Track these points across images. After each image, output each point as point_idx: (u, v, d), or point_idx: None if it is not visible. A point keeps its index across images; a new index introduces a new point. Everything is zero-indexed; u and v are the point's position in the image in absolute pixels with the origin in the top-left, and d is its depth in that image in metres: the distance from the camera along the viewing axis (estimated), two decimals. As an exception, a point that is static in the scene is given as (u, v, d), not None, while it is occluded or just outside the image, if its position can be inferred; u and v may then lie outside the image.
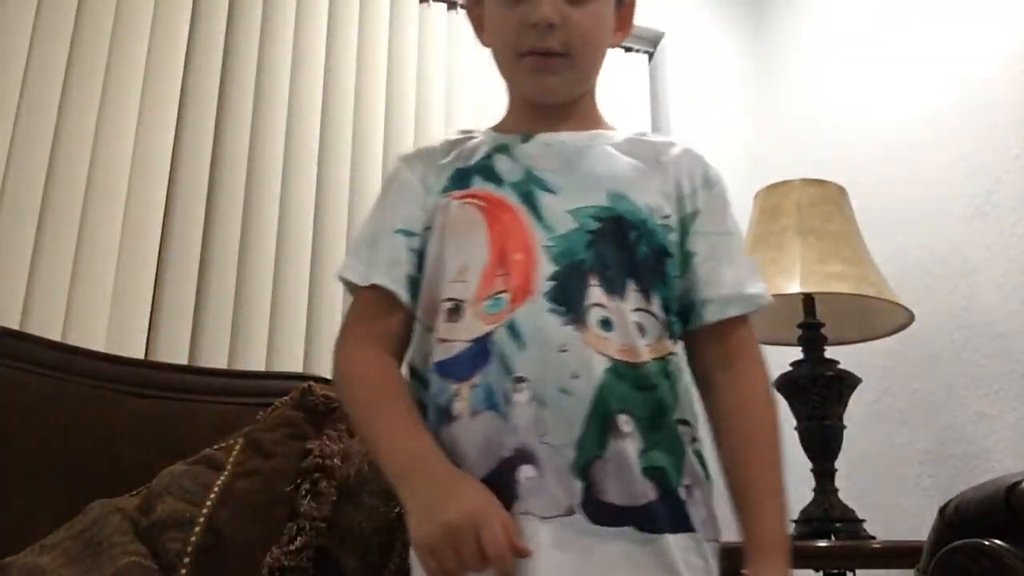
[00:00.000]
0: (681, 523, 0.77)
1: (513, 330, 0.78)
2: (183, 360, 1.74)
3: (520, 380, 0.77)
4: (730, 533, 0.81)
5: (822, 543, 1.50)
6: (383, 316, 0.87)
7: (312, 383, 1.29)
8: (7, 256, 1.67)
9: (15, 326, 1.58)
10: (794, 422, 1.61)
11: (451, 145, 0.94)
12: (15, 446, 1.20)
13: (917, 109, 1.94)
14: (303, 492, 1.09)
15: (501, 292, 0.81)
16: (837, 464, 1.60)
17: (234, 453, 1.17)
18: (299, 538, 1.04)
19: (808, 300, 1.64)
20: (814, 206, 1.68)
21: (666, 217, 0.87)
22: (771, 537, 0.79)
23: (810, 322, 1.64)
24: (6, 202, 1.70)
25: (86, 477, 1.20)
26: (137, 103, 1.86)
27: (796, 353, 1.65)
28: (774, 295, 1.53)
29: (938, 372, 1.77)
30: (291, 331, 1.86)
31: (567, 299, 0.79)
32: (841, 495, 1.59)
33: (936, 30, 1.94)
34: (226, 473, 1.13)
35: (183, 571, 1.01)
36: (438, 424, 0.80)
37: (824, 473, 1.58)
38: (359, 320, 0.89)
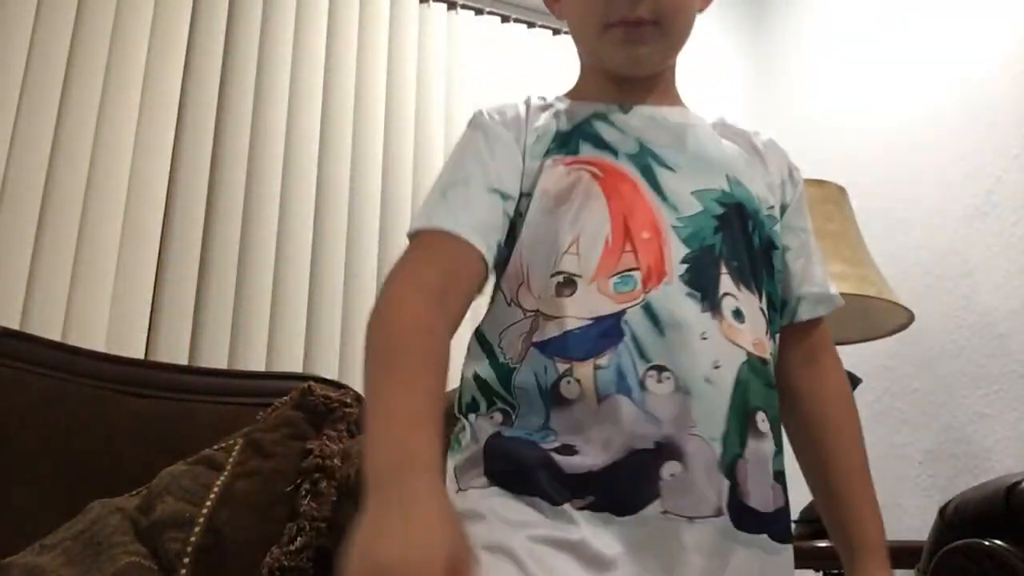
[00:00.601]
0: (790, 534, 0.75)
1: (650, 312, 0.72)
2: (183, 360, 1.74)
3: (660, 368, 0.70)
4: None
5: (822, 543, 1.49)
6: (461, 275, 0.74)
7: (312, 383, 1.28)
8: (7, 256, 1.67)
9: (15, 326, 1.58)
10: (794, 422, 1.61)
11: (534, 107, 0.85)
12: (16, 446, 1.20)
13: (917, 109, 1.93)
14: (303, 492, 1.09)
15: (631, 270, 0.74)
16: (837, 464, 1.60)
17: (234, 453, 1.17)
18: (299, 538, 1.04)
19: (808, 300, 1.64)
20: (814, 206, 1.67)
21: (771, 208, 0.83)
22: (882, 541, 0.82)
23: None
24: (6, 202, 1.70)
25: (86, 477, 1.20)
26: (137, 103, 1.86)
27: (796, 353, 1.64)
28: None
29: (938, 372, 1.76)
30: (291, 331, 1.86)
31: (702, 285, 0.73)
32: (841, 495, 1.58)
33: (936, 30, 1.94)
34: (226, 473, 1.13)
35: (183, 571, 1.01)
36: (528, 408, 0.71)
37: (824, 473, 1.58)
38: (430, 263, 0.74)
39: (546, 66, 2.21)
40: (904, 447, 1.81)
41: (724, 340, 0.72)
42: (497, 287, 0.79)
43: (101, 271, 1.74)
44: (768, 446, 0.72)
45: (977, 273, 1.73)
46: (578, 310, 0.72)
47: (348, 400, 1.25)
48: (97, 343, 1.65)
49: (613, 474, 0.67)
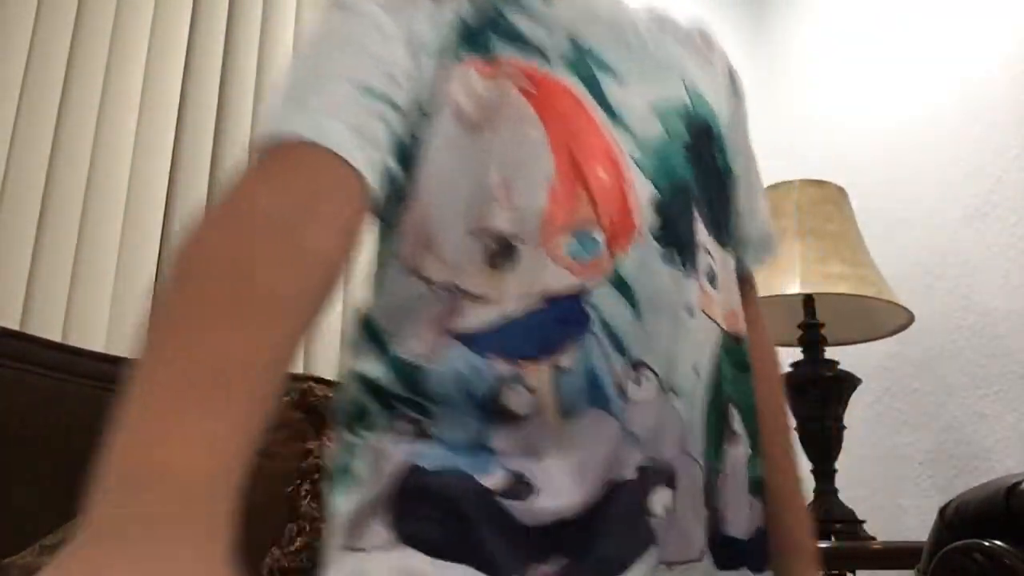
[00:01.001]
0: (768, 559, 0.58)
1: (622, 286, 0.52)
2: (183, 360, 1.73)
3: (639, 365, 0.51)
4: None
5: (822, 544, 1.50)
6: (321, 207, 0.47)
7: (312, 383, 1.28)
8: (7, 256, 1.67)
9: (15, 326, 1.58)
10: (794, 423, 1.61)
11: None
12: (15, 446, 1.20)
13: (917, 109, 1.93)
14: (303, 493, 1.09)
15: (589, 226, 0.53)
16: (837, 465, 1.60)
17: (234, 453, 1.17)
18: (299, 539, 1.04)
19: (808, 300, 1.64)
20: (814, 206, 1.68)
21: (721, 122, 0.64)
22: (810, 542, 0.67)
23: (810, 322, 1.64)
24: (6, 202, 1.70)
25: (86, 478, 1.20)
26: (137, 103, 1.86)
27: (796, 354, 1.65)
28: (774, 295, 1.54)
29: (938, 372, 1.77)
30: (291, 331, 1.86)
31: (679, 239, 0.54)
32: (841, 496, 1.58)
33: (936, 30, 1.93)
34: (226, 473, 1.13)
35: (183, 571, 1.01)
36: (451, 421, 0.50)
37: (824, 474, 1.58)
38: (272, 188, 0.47)
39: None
40: (904, 448, 1.81)
41: (703, 314, 0.55)
42: (387, 248, 0.57)
43: (101, 271, 1.74)
44: (743, 450, 0.56)
45: (977, 273, 1.73)
46: (521, 286, 0.51)
47: (348, 400, 1.25)
48: (97, 343, 1.65)
49: (593, 519, 0.48)
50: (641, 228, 0.53)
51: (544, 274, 0.52)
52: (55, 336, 1.61)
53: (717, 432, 0.54)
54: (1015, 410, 1.61)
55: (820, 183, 1.71)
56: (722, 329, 0.56)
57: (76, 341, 1.57)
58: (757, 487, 0.57)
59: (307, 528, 1.05)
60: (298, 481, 1.12)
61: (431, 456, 0.49)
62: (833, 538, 1.52)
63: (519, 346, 0.51)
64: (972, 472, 1.64)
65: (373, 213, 0.54)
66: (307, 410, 1.23)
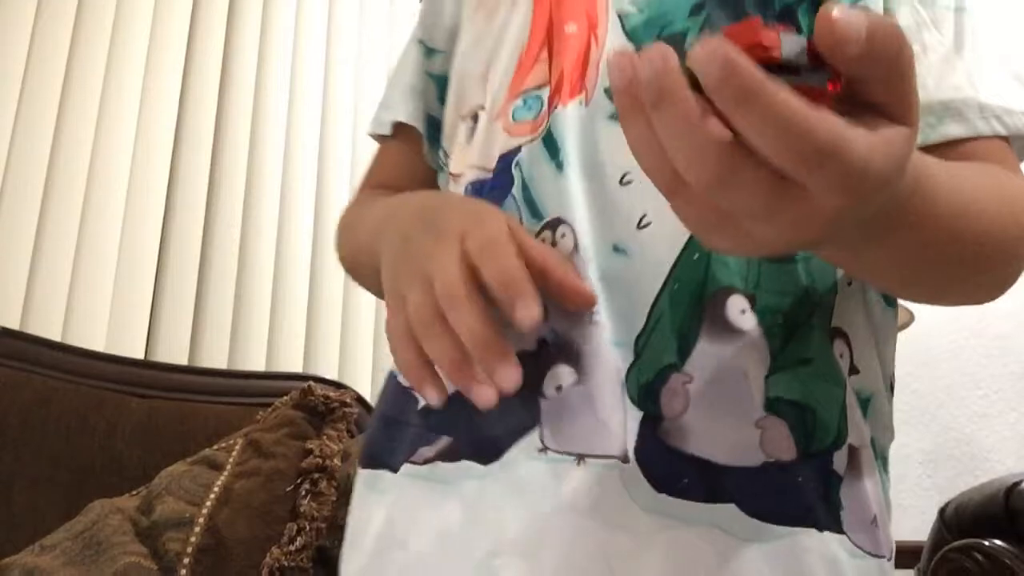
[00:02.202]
0: (830, 515, 0.44)
1: (550, 143, 0.49)
2: (183, 360, 1.73)
3: (556, 223, 0.46)
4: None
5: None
6: (401, 167, 0.64)
7: (312, 383, 1.28)
8: (7, 256, 1.67)
9: (15, 326, 1.58)
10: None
11: None
12: (15, 446, 1.20)
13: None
14: (303, 492, 1.09)
15: (540, 87, 0.51)
16: (837, 464, 1.61)
17: (234, 453, 1.17)
18: (299, 538, 1.04)
19: (808, 300, 1.64)
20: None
21: None
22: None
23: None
24: (6, 202, 1.70)
25: (86, 477, 1.20)
26: (137, 103, 1.86)
27: (796, 353, 1.65)
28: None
29: (938, 372, 1.77)
30: (291, 331, 1.86)
31: None
32: (841, 495, 1.59)
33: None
34: (226, 473, 1.13)
35: (183, 571, 1.01)
36: None
37: (824, 473, 1.59)
38: (367, 177, 0.68)
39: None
40: (904, 447, 1.81)
41: None
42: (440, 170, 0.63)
43: (101, 271, 1.74)
44: (751, 352, 0.44)
45: (977, 273, 1.73)
46: (478, 158, 0.53)
47: (348, 400, 1.25)
48: (97, 343, 1.65)
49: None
50: (592, 87, 0.49)
51: (495, 141, 0.52)
52: (55, 336, 1.61)
53: (682, 323, 0.44)
54: (1015, 410, 1.61)
55: None
56: None
57: (76, 341, 1.57)
58: (783, 407, 0.44)
59: (307, 528, 1.05)
60: (298, 481, 1.12)
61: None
62: (833, 538, 1.52)
63: None
64: (972, 472, 1.64)
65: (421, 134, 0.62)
66: (307, 410, 1.23)
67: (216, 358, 1.78)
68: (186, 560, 1.01)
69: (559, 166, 0.48)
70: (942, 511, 0.92)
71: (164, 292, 1.80)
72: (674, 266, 0.45)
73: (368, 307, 1.95)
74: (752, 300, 0.45)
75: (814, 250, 0.42)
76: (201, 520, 1.06)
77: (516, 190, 0.49)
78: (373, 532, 0.48)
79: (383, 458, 0.49)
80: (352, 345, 1.91)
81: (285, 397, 1.27)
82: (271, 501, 1.10)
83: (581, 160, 0.48)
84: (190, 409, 1.33)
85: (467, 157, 0.54)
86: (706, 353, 0.44)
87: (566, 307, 0.43)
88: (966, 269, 0.43)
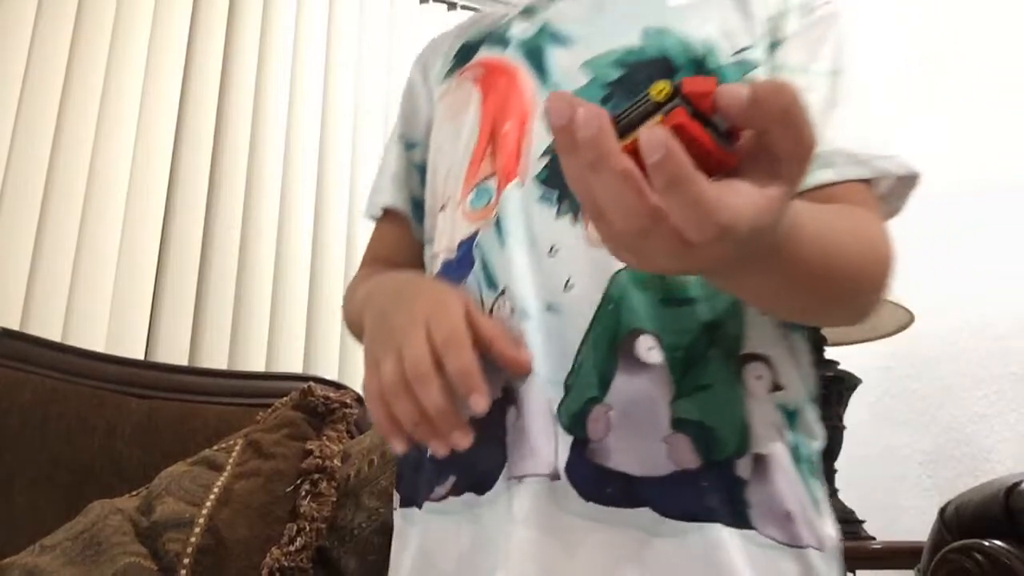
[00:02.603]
0: (735, 513, 0.52)
1: (499, 225, 0.59)
2: (183, 360, 1.74)
3: (503, 292, 0.57)
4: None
5: (822, 543, 1.50)
6: (392, 245, 0.75)
7: (312, 384, 1.28)
8: (7, 256, 1.67)
9: (15, 326, 1.58)
10: (794, 422, 1.61)
11: (466, 23, 0.77)
12: (15, 446, 1.20)
13: (917, 109, 1.93)
14: (303, 493, 1.09)
15: (488, 177, 0.62)
16: (837, 465, 1.60)
17: (234, 454, 1.17)
18: (299, 539, 1.04)
19: (808, 300, 1.64)
20: (814, 206, 1.67)
21: (743, 50, 0.62)
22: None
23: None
24: (6, 202, 1.70)
25: (86, 477, 1.20)
26: (137, 103, 1.86)
27: (796, 353, 1.65)
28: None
29: (938, 373, 1.77)
30: (291, 331, 1.86)
31: (563, 180, 0.50)
32: (841, 496, 1.58)
33: (936, 30, 1.93)
34: (226, 474, 1.13)
35: (183, 572, 1.01)
36: None
37: (824, 474, 1.58)
38: (365, 254, 0.79)
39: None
40: (904, 448, 1.81)
41: (587, 250, 0.56)
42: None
43: (101, 271, 1.74)
44: (658, 382, 0.53)
45: (977, 274, 1.73)
46: (446, 240, 0.63)
47: (348, 401, 1.25)
48: (97, 343, 1.65)
49: (474, 437, 0.52)
50: (524, 172, 0.60)
51: (458, 228, 0.63)
52: (55, 336, 1.61)
53: (602, 362, 0.54)
54: (1015, 411, 1.61)
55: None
56: None
57: (76, 341, 1.57)
58: (685, 426, 0.52)
59: (307, 528, 1.05)
60: (298, 481, 1.12)
61: None
62: (833, 538, 1.52)
63: None
64: (972, 472, 1.64)
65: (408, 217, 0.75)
66: (307, 411, 1.23)
67: (216, 358, 1.78)
68: (186, 560, 1.01)
69: (502, 244, 0.59)
70: (942, 511, 0.92)
71: (164, 292, 1.80)
72: (593, 318, 0.55)
73: (368, 307, 1.95)
74: (658, 339, 0.54)
75: (704, 276, 0.51)
76: (201, 520, 1.06)
77: (477, 268, 0.59)
78: (409, 559, 0.59)
79: (411, 497, 0.61)
80: (352, 345, 1.91)
81: (285, 398, 1.27)
82: (271, 502, 1.10)
83: (519, 236, 0.58)
84: (190, 410, 1.33)
85: (440, 242, 0.65)
86: (622, 385, 0.53)
87: (508, 372, 0.54)
88: (832, 297, 0.53)
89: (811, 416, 0.59)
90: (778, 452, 0.55)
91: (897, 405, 1.85)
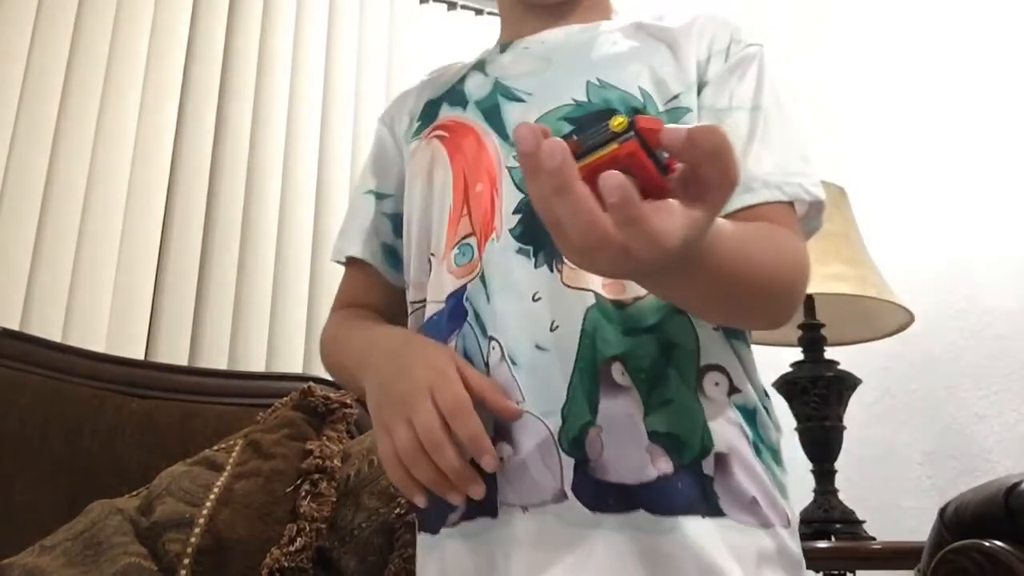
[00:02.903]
0: (709, 505, 0.60)
1: (484, 279, 0.66)
2: (183, 361, 1.74)
3: (493, 339, 0.64)
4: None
5: (822, 544, 1.50)
6: (361, 290, 0.81)
7: (312, 384, 1.28)
8: (7, 256, 1.67)
9: (15, 326, 1.58)
10: (794, 423, 1.61)
11: (428, 80, 0.83)
12: (15, 447, 1.20)
13: (917, 109, 1.93)
14: (303, 493, 1.09)
15: (468, 236, 0.68)
16: (837, 465, 1.60)
17: (234, 454, 1.17)
18: (299, 539, 1.04)
19: (808, 301, 1.64)
20: (814, 206, 1.67)
21: (674, 98, 0.69)
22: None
23: (810, 323, 1.64)
24: (6, 202, 1.70)
25: (86, 477, 1.20)
26: (137, 103, 1.86)
27: (796, 354, 1.64)
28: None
29: (938, 373, 1.76)
30: (291, 331, 1.86)
31: (536, 234, 0.65)
32: (841, 496, 1.58)
33: (936, 30, 1.94)
34: (226, 474, 1.13)
35: (183, 572, 1.01)
36: None
37: (824, 474, 1.58)
38: (338, 297, 0.85)
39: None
40: (904, 448, 1.81)
41: (564, 292, 0.63)
42: (404, 293, 0.78)
43: (101, 271, 1.74)
44: (632, 402, 0.61)
45: (977, 274, 1.73)
46: (433, 293, 0.69)
47: (348, 401, 1.25)
48: (97, 343, 1.65)
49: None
50: (500, 229, 0.67)
51: (444, 281, 0.68)
52: (55, 336, 1.61)
53: (589, 390, 0.61)
54: (1015, 411, 1.61)
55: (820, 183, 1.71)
56: (597, 295, 0.63)
57: (76, 341, 1.57)
58: (658, 437, 0.61)
59: (307, 528, 1.05)
60: (298, 482, 1.12)
61: None
62: (833, 538, 1.52)
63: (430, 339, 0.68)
64: (972, 472, 1.64)
65: (378, 268, 0.81)
66: (307, 411, 1.23)
67: (216, 359, 1.78)
68: (186, 561, 1.02)
69: (489, 296, 0.65)
70: (942, 512, 0.92)
71: (164, 292, 1.80)
72: (577, 354, 0.62)
73: (368, 307, 1.95)
74: (624, 364, 0.62)
75: (638, 282, 0.59)
76: (201, 521, 1.06)
77: (471, 319, 0.66)
78: None
79: (429, 524, 0.67)
80: (352, 345, 1.91)
81: (285, 398, 1.27)
82: (271, 502, 1.10)
83: (505, 286, 0.65)
84: (190, 410, 1.33)
85: (425, 292, 0.70)
86: (607, 407, 0.61)
87: (500, 418, 0.61)
88: (752, 301, 0.62)
89: (768, 413, 0.67)
90: (738, 448, 0.63)
91: (897, 405, 1.85)
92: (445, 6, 2.26)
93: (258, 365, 1.80)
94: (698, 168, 0.46)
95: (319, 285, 1.93)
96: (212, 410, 1.34)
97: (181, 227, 1.84)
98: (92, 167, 1.79)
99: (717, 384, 0.64)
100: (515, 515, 0.60)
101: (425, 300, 0.71)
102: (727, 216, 0.63)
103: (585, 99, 0.69)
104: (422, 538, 0.69)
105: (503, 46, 0.79)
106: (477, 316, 0.65)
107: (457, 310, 0.67)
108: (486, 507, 0.62)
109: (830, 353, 1.63)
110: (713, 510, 0.60)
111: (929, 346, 1.78)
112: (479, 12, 2.29)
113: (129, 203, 1.81)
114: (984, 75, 1.80)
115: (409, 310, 0.75)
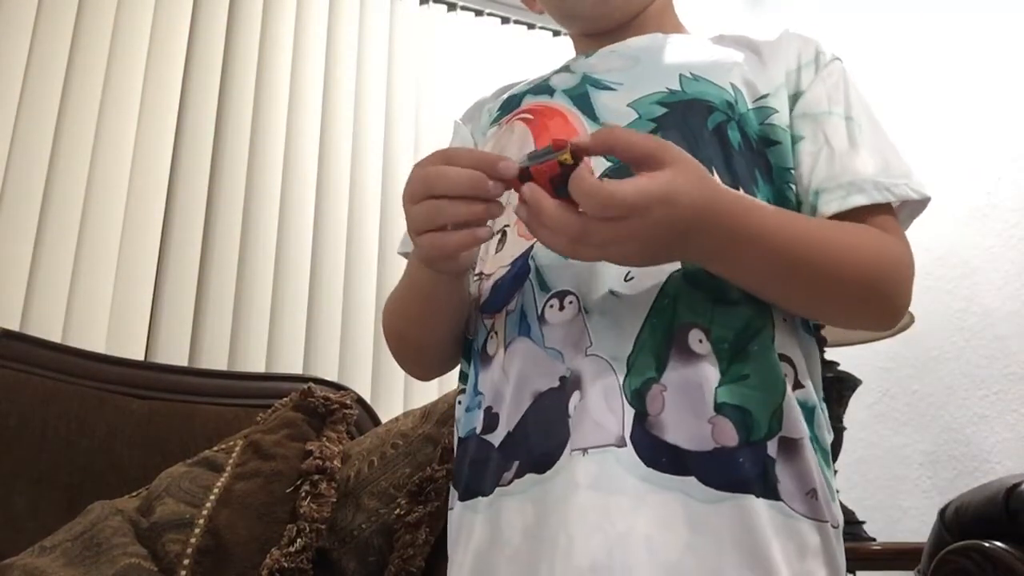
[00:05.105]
0: (766, 486, 0.60)
1: None
2: (183, 361, 1.73)
3: (563, 294, 0.64)
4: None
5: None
6: (421, 268, 0.82)
7: (312, 384, 1.28)
8: (7, 256, 1.67)
9: (15, 327, 1.58)
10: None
11: (505, 87, 0.88)
12: (15, 447, 1.20)
13: (917, 109, 1.93)
14: (303, 494, 1.09)
15: None
16: (837, 466, 1.60)
17: (234, 454, 1.17)
18: (299, 540, 1.04)
19: (808, 301, 1.64)
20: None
21: (763, 97, 0.73)
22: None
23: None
24: (6, 202, 1.70)
25: (86, 477, 1.20)
26: (137, 103, 1.86)
27: (796, 354, 1.65)
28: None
29: (938, 374, 1.77)
30: (291, 331, 1.86)
31: None
32: (841, 497, 1.58)
33: (936, 29, 1.94)
34: (226, 474, 1.13)
35: (183, 572, 1.01)
36: (472, 377, 0.71)
37: (824, 474, 1.58)
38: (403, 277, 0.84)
39: (546, 67, 2.21)
40: (904, 449, 1.81)
41: None
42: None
43: (101, 271, 1.74)
44: (705, 371, 0.61)
45: (977, 274, 1.73)
46: (503, 259, 0.71)
47: (348, 402, 1.25)
48: (97, 343, 1.65)
49: (526, 426, 0.63)
50: None
51: (514, 245, 0.70)
52: (55, 336, 1.61)
53: (658, 348, 0.62)
54: (1015, 411, 1.61)
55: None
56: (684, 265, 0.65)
57: (76, 342, 1.57)
58: (727, 409, 0.60)
59: (307, 529, 1.05)
60: (298, 482, 1.12)
61: (461, 422, 0.71)
62: (833, 539, 1.52)
63: (494, 302, 0.69)
64: (972, 473, 1.64)
65: None
66: (307, 411, 1.23)
67: (216, 359, 1.78)
68: (186, 561, 1.01)
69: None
70: (942, 512, 0.92)
71: (164, 292, 1.80)
72: (651, 308, 0.63)
73: (368, 308, 1.95)
74: (707, 332, 0.62)
75: (678, 259, 0.63)
76: (201, 521, 1.06)
77: (532, 275, 0.67)
78: (476, 539, 0.65)
79: (478, 488, 0.66)
80: (352, 346, 1.91)
81: (285, 398, 1.27)
82: (271, 502, 1.10)
83: None
84: (190, 410, 1.33)
85: (499, 261, 0.71)
86: (675, 370, 0.61)
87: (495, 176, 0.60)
88: (816, 288, 0.64)
89: (824, 415, 0.67)
90: (804, 438, 0.62)
91: (897, 405, 1.85)
92: (445, 7, 2.26)
93: (258, 365, 1.80)
94: (616, 155, 0.56)
95: (319, 285, 1.93)
96: (212, 411, 1.34)
97: (181, 227, 1.84)
98: (92, 167, 1.79)
99: (785, 375, 0.64)
100: (576, 459, 0.60)
101: (483, 273, 0.73)
102: (837, 217, 0.68)
103: (679, 88, 0.72)
104: (466, 504, 0.68)
105: (588, 53, 0.81)
106: (540, 272, 0.66)
107: (522, 268, 0.68)
108: (541, 461, 0.62)
109: (830, 354, 1.64)
110: (770, 492, 0.60)
111: (929, 347, 1.78)
112: (479, 13, 2.29)
113: (129, 203, 1.81)
114: (984, 75, 1.80)
115: (473, 285, 0.76)
